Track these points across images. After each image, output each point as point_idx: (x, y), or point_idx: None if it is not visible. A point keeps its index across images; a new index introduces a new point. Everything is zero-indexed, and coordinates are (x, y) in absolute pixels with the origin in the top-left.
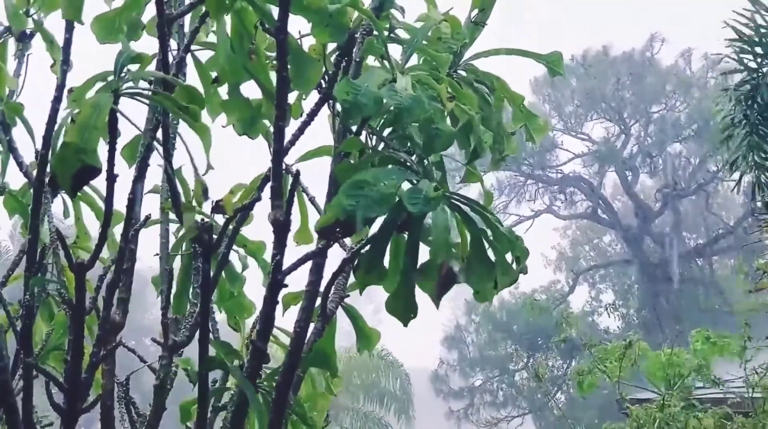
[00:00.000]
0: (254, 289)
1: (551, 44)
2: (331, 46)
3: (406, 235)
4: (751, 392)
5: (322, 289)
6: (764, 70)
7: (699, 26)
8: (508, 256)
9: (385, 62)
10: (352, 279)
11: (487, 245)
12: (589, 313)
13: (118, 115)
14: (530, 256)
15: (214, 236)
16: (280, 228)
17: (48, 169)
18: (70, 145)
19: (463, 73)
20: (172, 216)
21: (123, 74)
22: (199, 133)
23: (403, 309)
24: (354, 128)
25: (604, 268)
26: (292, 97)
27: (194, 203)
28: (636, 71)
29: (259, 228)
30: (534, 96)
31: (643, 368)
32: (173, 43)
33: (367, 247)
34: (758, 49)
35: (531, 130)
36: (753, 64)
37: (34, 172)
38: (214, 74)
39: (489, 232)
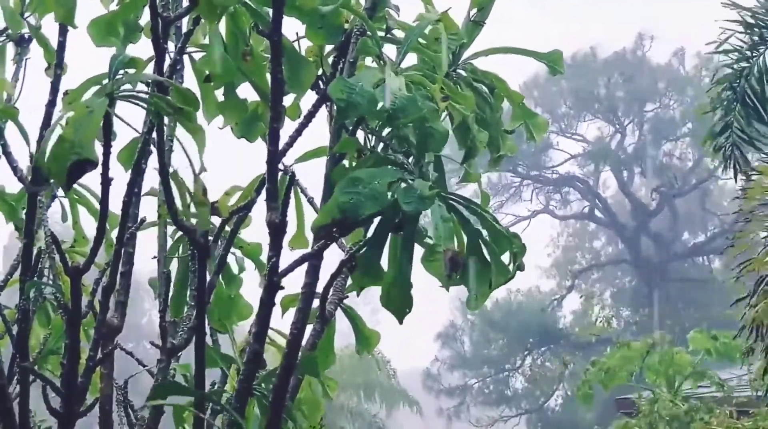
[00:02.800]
0: (252, 291)
1: (547, 43)
2: (330, 47)
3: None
4: (755, 393)
5: (318, 290)
6: (761, 49)
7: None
8: (505, 256)
9: (381, 62)
10: (350, 280)
11: (483, 245)
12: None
13: (114, 118)
14: (527, 256)
15: (210, 238)
16: (276, 230)
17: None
18: (66, 140)
19: (463, 73)
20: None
21: (118, 77)
22: (193, 134)
23: (398, 302)
24: (350, 129)
25: (601, 267)
26: (291, 99)
27: (195, 204)
28: (628, 71)
29: (258, 230)
30: (526, 99)
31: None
32: (172, 46)
33: (365, 249)
34: (756, 29)
35: (532, 129)
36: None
37: (29, 177)
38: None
39: (485, 233)
